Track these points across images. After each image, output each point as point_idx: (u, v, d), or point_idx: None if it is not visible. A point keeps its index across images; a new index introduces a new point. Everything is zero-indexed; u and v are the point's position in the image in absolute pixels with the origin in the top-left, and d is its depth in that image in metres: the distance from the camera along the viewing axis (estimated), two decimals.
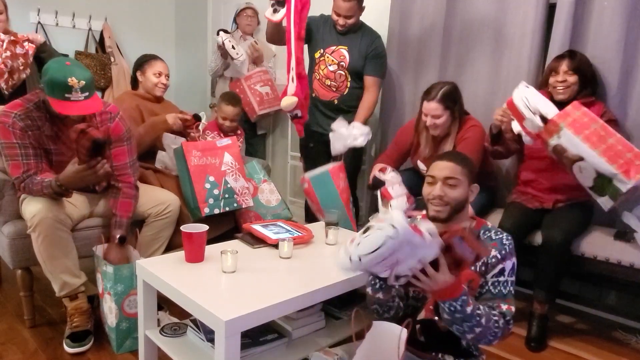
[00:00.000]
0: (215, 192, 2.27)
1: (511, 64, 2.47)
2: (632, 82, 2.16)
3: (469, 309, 1.20)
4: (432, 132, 2.28)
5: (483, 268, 1.32)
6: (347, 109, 2.70)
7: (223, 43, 3.19)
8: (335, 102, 2.69)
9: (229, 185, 2.32)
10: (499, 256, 1.32)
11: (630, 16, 2.12)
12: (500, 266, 1.32)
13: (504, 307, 1.30)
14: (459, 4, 2.64)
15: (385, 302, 1.39)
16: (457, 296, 1.20)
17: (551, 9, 2.34)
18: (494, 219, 2.27)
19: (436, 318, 1.36)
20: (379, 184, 2.28)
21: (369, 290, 1.41)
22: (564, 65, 2.11)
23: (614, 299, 2.36)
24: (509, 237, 1.36)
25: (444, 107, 2.19)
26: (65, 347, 1.87)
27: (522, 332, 2.14)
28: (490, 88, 2.56)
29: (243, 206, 2.36)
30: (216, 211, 2.26)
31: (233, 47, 3.20)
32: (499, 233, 1.37)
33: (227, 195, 2.31)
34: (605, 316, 2.36)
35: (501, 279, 1.32)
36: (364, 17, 2.71)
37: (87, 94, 1.78)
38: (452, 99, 2.21)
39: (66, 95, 1.73)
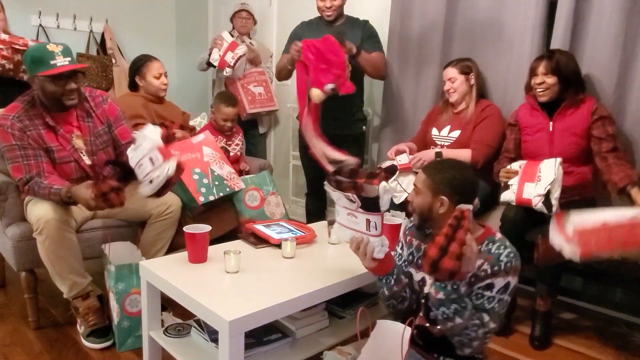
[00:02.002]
0: (205, 180, 2.31)
1: (512, 61, 2.47)
2: (631, 79, 2.15)
3: (463, 290, 1.25)
4: (450, 99, 2.46)
5: (472, 279, 1.31)
6: (349, 97, 2.62)
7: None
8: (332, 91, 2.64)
9: (216, 173, 2.36)
10: (488, 271, 1.29)
11: (629, 13, 2.11)
12: (488, 281, 1.29)
13: (486, 318, 1.30)
14: (459, 2, 2.64)
15: (399, 293, 1.45)
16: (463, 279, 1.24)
17: (551, 6, 2.34)
18: (498, 212, 2.26)
19: (427, 325, 1.37)
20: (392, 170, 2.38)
21: (385, 292, 1.45)
22: (541, 67, 2.11)
23: (619, 295, 2.35)
24: (511, 255, 1.31)
25: (458, 72, 2.42)
26: (88, 344, 1.91)
27: (526, 329, 2.14)
28: (492, 86, 2.55)
29: (235, 189, 2.40)
30: (211, 198, 2.29)
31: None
32: (501, 248, 1.32)
33: (217, 182, 2.34)
34: (610, 313, 2.35)
35: (487, 293, 1.30)
36: (365, 17, 2.71)
37: (69, 59, 1.85)
38: (466, 66, 2.43)
39: (52, 62, 1.81)
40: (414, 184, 1.44)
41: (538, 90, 2.14)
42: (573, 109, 2.13)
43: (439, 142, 2.49)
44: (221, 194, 2.33)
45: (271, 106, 3.46)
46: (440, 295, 1.25)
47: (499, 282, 1.29)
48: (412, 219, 1.57)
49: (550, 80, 2.10)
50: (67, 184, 1.86)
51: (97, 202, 1.72)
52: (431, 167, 1.43)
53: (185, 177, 2.23)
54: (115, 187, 1.72)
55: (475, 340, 1.30)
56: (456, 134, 2.43)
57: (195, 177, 2.28)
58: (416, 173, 2.33)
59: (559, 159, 2.02)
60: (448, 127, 2.47)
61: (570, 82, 2.12)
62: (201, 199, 2.25)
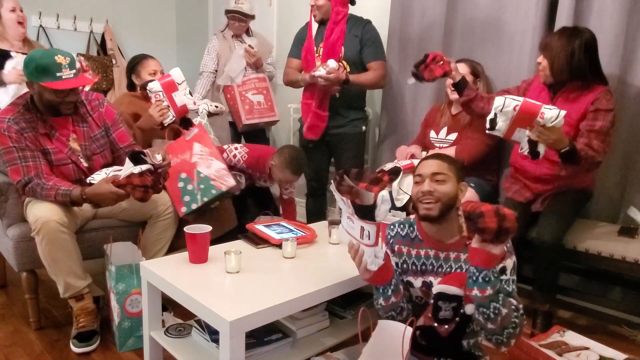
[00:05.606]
0: (189, 187, 2.20)
1: (512, 60, 2.47)
2: (631, 78, 2.15)
3: (497, 282, 1.24)
4: (451, 96, 2.41)
5: None
6: (350, 97, 2.67)
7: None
8: (337, 95, 2.62)
9: (202, 175, 2.21)
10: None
11: (629, 12, 2.12)
12: (501, 265, 1.31)
13: (514, 301, 1.29)
14: (459, 1, 2.64)
15: (397, 304, 1.41)
16: (494, 266, 1.24)
17: (552, 6, 2.33)
18: None
19: (435, 324, 1.36)
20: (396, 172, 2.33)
21: (381, 302, 1.42)
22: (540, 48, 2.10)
23: (619, 295, 2.35)
24: None
25: (469, 71, 2.37)
26: (72, 347, 1.88)
27: (526, 329, 2.13)
28: (492, 85, 2.55)
29: (223, 189, 2.22)
30: (194, 207, 2.17)
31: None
32: None
33: (202, 186, 2.20)
34: (610, 312, 2.35)
35: (504, 277, 1.31)
36: (365, 15, 2.71)
37: (74, 71, 1.84)
38: (477, 68, 2.41)
39: (58, 74, 1.79)
40: (435, 172, 1.37)
41: (539, 69, 2.11)
42: (576, 96, 2.02)
43: (437, 145, 2.48)
44: (205, 199, 2.19)
45: (271, 116, 3.21)
46: (489, 291, 1.22)
47: (509, 264, 1.31)
48: (391, 226, 1.51)
49: (543, 62, 2.06)
50: (72, 186, 1.86)
51: (135, 195, 1.78)
52: (442, 156, 1.43)
53: (170, 187, 2.15)
54: (153, 182, 1.78)
55: (518, 323, 1.27)
56: (453, 136, 2.42)
57: (180, 184, 2.19)
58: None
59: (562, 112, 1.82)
60: (445, 129, 2.45)
61: (556, 67, 1.99)
62: (183, 210, 2.15)
